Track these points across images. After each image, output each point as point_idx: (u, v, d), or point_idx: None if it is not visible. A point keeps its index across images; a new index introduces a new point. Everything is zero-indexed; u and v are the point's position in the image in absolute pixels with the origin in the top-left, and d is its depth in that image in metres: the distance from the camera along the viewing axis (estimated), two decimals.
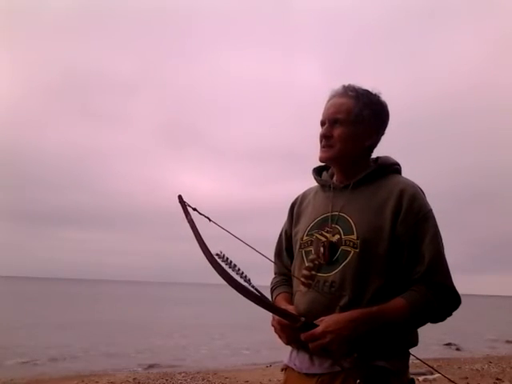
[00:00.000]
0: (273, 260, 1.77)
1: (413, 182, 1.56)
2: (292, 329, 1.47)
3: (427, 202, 1.53)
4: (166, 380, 8.34)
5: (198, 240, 1.51)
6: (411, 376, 1.53)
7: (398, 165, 1.64)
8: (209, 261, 1.46)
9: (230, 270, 1.44)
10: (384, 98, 1.61)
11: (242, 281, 1.44)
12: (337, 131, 1.56)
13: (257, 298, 1.42)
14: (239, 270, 1.45)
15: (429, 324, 1.51)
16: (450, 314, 1.48)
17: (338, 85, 1.63)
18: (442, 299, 1.43)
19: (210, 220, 1.53)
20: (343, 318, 1.39)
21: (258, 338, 14.12)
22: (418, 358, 1.54)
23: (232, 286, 1.40)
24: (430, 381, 7.96)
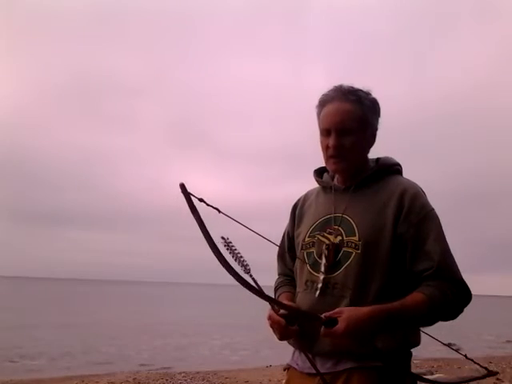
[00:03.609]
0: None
1: (414, 183, 1.56)
2: (287, 326, 1.47)
3: (429, 202, 1.52)
4: (166, 380, 8.33)
5: (203, 233, 1.37)
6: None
7: (399, 165, 1.63)
8: (213, 252, 1.36)
9: (230, 257, 1.39)
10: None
11: (243, 273, 1.40)
12: (348, 141, 1.52)
13: (257, 291, 1.38)
14: (241, 257, 1.41)
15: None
16: (461, 311, 1.47)
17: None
18: (456, 293, 1.42)
19: (219, 211, 1.41)
20: (364, 315, 1.36)
21: (257, 338, 14.12)
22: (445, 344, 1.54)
23: (235, 278, 1.33)
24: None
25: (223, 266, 1.34)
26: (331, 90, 1.56)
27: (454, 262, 1.48)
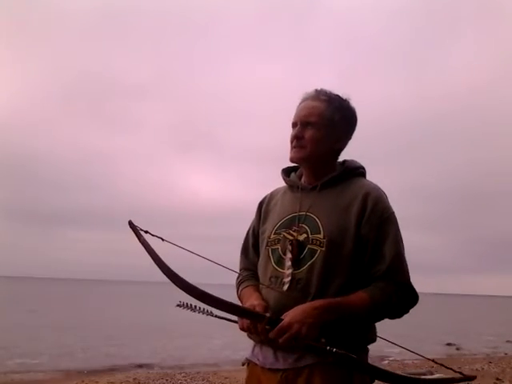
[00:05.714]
0: (232, 269, 1.77)
1: (377, 186, 1.65)
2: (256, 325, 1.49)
3: (390, 205, 1.61)
4: (166, 380, 8.34)
5: (153, 259, 1.60)
6: (403, 374, 1.56)
7: (363, 168, 1.72)
8: (167, 276, 1.56)
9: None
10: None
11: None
12: (308, 133, 1.61)
13: (216, 301, 1.46)
14: (203, 310, 1.50)
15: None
16: (407, 311, 1.57)
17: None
18: (401, 296, 1.51)
19: (163, 240, 1.63)
20: (306, 308, 1.45)
21: None
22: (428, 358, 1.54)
23: (192, 296, 1.52)
24: None
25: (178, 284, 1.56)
26: (311, 91, 1.67)
27: (405, 265, 1.56)
